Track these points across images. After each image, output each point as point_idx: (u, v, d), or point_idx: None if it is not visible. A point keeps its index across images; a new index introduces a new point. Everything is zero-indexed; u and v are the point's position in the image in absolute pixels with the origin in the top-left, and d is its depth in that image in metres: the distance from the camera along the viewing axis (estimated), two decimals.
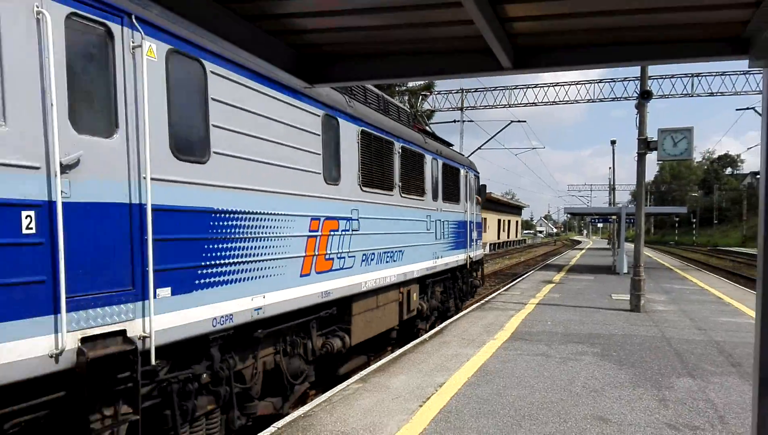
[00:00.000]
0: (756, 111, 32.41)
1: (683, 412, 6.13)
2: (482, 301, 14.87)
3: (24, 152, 3.55)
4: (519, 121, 31.98)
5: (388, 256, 9.33)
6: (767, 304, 2.37)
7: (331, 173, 7.45)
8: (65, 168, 3.79)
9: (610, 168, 42.30)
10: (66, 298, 3.72)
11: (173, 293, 4.70)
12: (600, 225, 58.23)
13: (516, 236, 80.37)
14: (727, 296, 16.33)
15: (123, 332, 4.19)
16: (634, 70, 38.71)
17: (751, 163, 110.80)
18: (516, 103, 34.61)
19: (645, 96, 13.92)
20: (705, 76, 31.69)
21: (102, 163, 4.07)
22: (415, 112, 34.11)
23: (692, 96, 32.00)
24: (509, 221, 73.12)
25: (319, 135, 7.11)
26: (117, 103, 4.23)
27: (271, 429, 5.59)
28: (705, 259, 44.31)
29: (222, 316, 5.26)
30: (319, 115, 7.12)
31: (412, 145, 10.67)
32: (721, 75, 31.47)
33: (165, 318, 4.57)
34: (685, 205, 72.81)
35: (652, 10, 2.26)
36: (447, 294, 13.68)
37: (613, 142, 36.07)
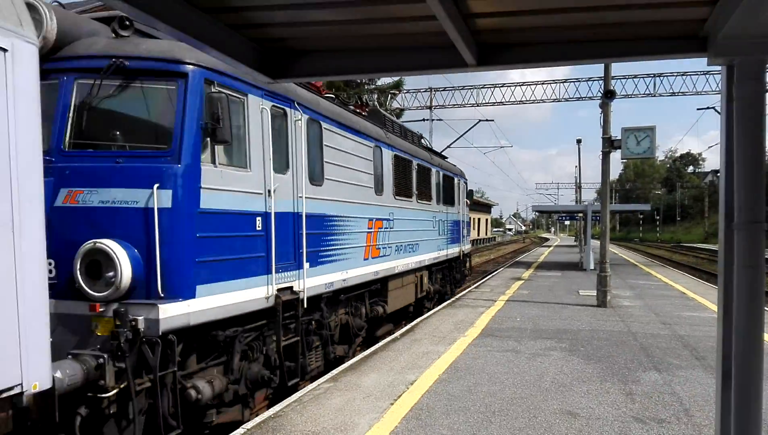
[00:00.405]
0: (716, 110, 33.30)
1: (650, 405, 6.25)
2: (453, 299, 14.95)
3: (257, 185, 6.29)
4: (487, 120, 32.28)
5: (409, 248, 12.20)
6: (729, 299, 2.42)
7: (378, 187, 10.25)
8: (271, 193, 6.50)
9: (576, 166, 43.05)
10: (275, 265, 6.49)
11: (310, 266, 7.42)
12: (567, 222, 59.19)
13: (486, 234, 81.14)
14: (690, 291, 16.75)
15: (291, 287, 6.98)
16: (598, 71, 39.45)
17: (712, 161, 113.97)
18: (484, 102, 34.90)
19: (608, 95, 14.19)
20: (667, 76, 32.44)
21: (283, 190, 6.82)
22: (386, 109, 34.20)
23: (654, 96, 32.72)
24: (479, 219, 73.80)
25: (371, 160, 9.92)
26: (288, 153, 7.03)
27: (241, 430, 5.51)
28: (668, 256, 45.40)
29: (328, 283, 8.05)
30: (371, 147, 9.97)
31: (423, 161, 13.69)
32: (683, 75, 32.24)
33: (307, 281, 7.32)
34: (648, 203, 74.50)
35: (613, 7, 2.28)
36: (445, 280, 16.69)
37: (578, 141, 36.73)
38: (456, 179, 17.55)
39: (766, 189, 2.39)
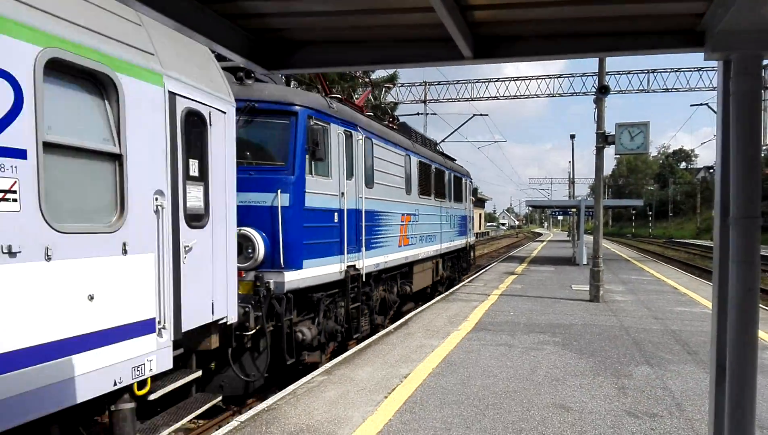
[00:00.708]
0: (709, 107, 33.45)
1: (642, 399, 6.29)
2: (447, 293, 14.98)
3: (335, 189, 8.60)
4: (481, 115, 32.27)
5: (429, 239, 14.70)
6: (724, 293, 2.42)
7: (407, 188, 12.75)
8: (343, 194, 8.84)
9: (569, 162, 43.20)
10: (346, 248, 8.88)
11: (366, 250, 9.78)
12: (560, 217, 59.40)
13: (479, 229, 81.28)
14: (682, 287, 16.84)
15: (354, 265, 9.37)
16: (593, 66, 39.50)
17: (704, 157, 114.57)
18: (478, 96, 34.91)
19: (603, 91, 14.20)
20: (660, 72, 32.54)
21: (350, 192, 9.11)
22: (380, 102, 34.12)
23: (648, 92, 32.82)
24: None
25: (403, 166, 12.45)
26: (353, 164, 9.32)
27: (234, 423, 5.51)
28: (661, 251, 45.65)
29: (376, 264, 10.44)
30: (402, 155, 12.49)
31: (439, 165, 16.16)
32: (676, 71, 32.34)
33: (365, 262, 9.77)
34: (641, 198, 74.80)
35: (610, 1, 2.28)
36: (454, 267, 19.19)
37: (572, 137, 36.78)
38: (464, 179, 20.19)
39: (762, 184, 2.40)
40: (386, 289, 11.67)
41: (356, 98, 33.64)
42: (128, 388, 4.79)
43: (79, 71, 4.30)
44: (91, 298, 4.27)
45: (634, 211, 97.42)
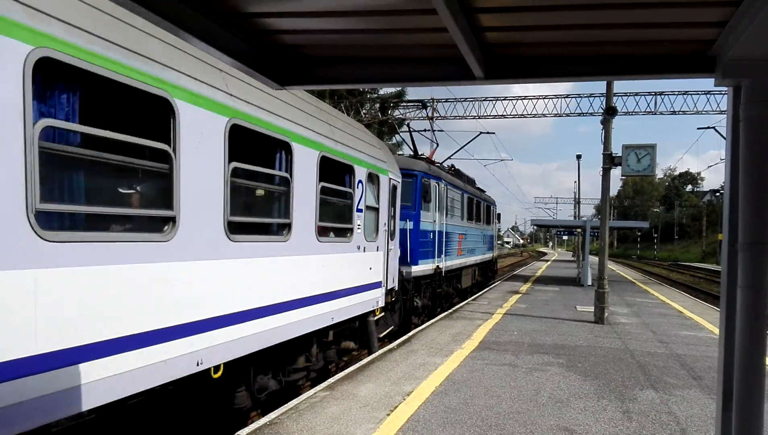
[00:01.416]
0: (716, 130, 33.47)
1: (646, 424, 6.23)
2: (450, 311, 14.93)
3: (433, 218, 14.97)
4: (488, 133, 32.29)
5: (471, 251, 20.90)
6: (731, 319, 2.42)
7: (461, 216, 18.86)
8: (435, 221, 15.17)
9: (575, 182, 43.19)
10: (435, 254, 15.17)
11: (444, 257, 16.07)
12: (565, 237, 59.24)
13: None
14: (687, 310, 16.73)
15: (438, 266, 15.40)
16: (600, 87, 39.65)
17: (710, 180, 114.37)
18: (485, 114, 35.00)
19: (610, 112, 14.25)
20: (668, 94, 32.58)
21: (438, 220, 15.43)
22: (387, 118, 34.23)
23: (655, 114, 32.83)
24: None
25: (459, 200, 18.34)
26: (438, 202, 15.39)
27: None
28: (666, 274, 45.39)
29: (447, 266, 16.48)
30: (459, 193, 18.38)
31: (478, 197, 22.46)
32: (684, 94, 32.39)
33: (444, 264, 16.10)
34: (647, 220, 74.53)
35: (623, 25, 2.30)
36: (484, 274, 25.44)
37: (578, 157, 36.84)
38: (492, 207, 26.70)
39: None
40: (448, 284, 17.58)
41: (364, 114, 33.85)
42: (373, 311, 10.18)
43: (370, 176, 9.68)
44: (370, 268, 9.69)
45: (639, 233, 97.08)
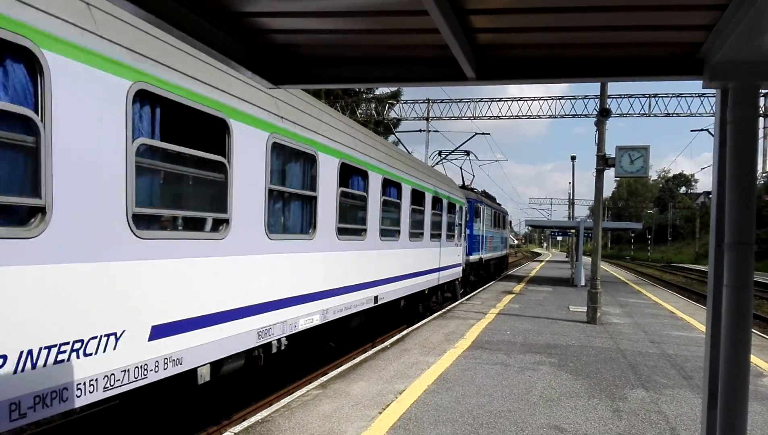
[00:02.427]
0: (710, 132, 33.60)
1: (636, 423, 6.28)
2: (444, 310, 14.97)
3: (479, 227, 24.08)
4: (483, 134, 32.37)
5: (495, 248, 29.47)
6: (717, 318, 2.45)
7: (488, 224, 26.35)
8: (481, 228, 24.42)
9: (570, 183, 43.43)
10: (480, 250, 24.07)
11: (483, 252, 25.10)
12: (559, 238, 59.40)
13: None
14: (679, 311, 16.83)
15: (481, 257, 24.42)
16: (595, 89, 39.79)
17: (704, 182, 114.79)
18: (480, 115, 35.08)
19: (604, 114, 14.31)
20: (662, 96, 32.73)
21: (481, 227, 24.34)
22: (383, 118, 34.26)
23: (649, 116, 32.99)
24: None
25: (490, 214, 27.10)
26: (482, 217, 24.57)
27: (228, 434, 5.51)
28: (659, 275, 45.59)
29: (484, 258, 25.26)
30: (490, 208, 27.38)
31: (497, 210, 30.55)
32: (677, 96, 32.54)
33: (484, 256, 25.34)
34: (641, 222, 74.75)
35: (613, 27, 2.33)
36: (502, 264, 33.91)
37: (573, 158, 36.91)
38: (506, 216, 36.10)
39: (757, 211, 2.44)
40: (485, 268, 26.61)
41: (359, 113, 33.81)
42: (457, 279, 18.76)
43: (452, 205, 17.67)
44: (458, 256, 18.54)
45: (633, 234, 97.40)
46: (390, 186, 10.74)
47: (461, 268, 19.11)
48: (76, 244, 3.96)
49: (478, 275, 24.48)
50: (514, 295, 19.55)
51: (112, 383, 4.31)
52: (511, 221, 39.91)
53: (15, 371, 3.58)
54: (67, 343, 3.92)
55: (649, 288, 26.24)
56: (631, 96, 32.94)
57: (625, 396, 7.28)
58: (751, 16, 1.89)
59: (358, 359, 8.83)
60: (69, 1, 3.96)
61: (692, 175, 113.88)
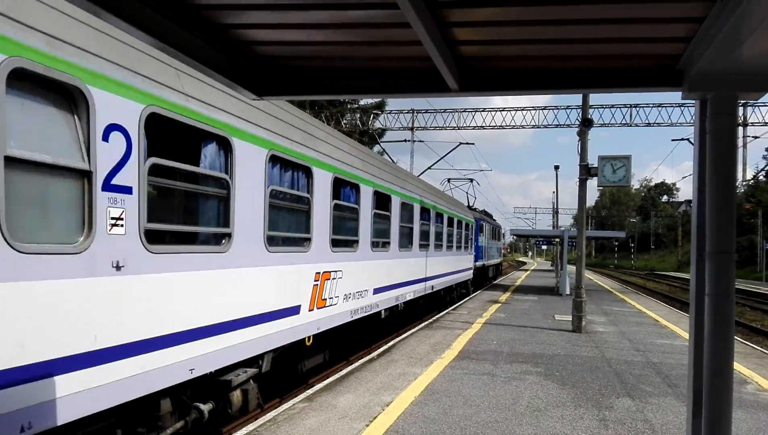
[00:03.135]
0: (690, 142, 34.06)
1: (622, 431, 6.29)
2: (430, 320, 14.95)
3: (484, 240, 31.71)
4: (467, 144, 32.62)
5: (492, 257, 36.21)
6: (700, 327, 2.47)
7: (489, 236, 34.34)
8: (483, 240, 31.94)
9: (553, 192, 44.07)
10: (482, 258, 31.08)
11: (485, 259, 32.42)
12: (544, 247, 59.80)
13: None
14: (663, 319, 16.96)
15: (484, 263, 31.70)
16: (577, 99, 40.27)
17: (686, 191, 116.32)
18: (465, 125, 35.32)
19: (586, 124, 14.46)
20: (643, 107, 33.22)
21: (485, 240, 32.05)
22: (368, 129, 34.35)
23: (631, 126, 33.45)
24: None
25: (488, 229, 33.97)
26: (484, 232, 32.17)
27: None
28: (642, 283, 45.96)
29: (482, 264, 30.97)
30: (489, 224, 34.29)
31: (494, 225, 38.16)
32: (658, 106, 33.03)
33: (484, 262, 32.18)
34: (624, 230, 75.41)
35: (594, 40, 2.36)
36: (497, 270, 41.26)
37: (556, 168, 37.32)
38: (500, 229, 42.67)
39: (738, 219, 2.47)
40: (485, 273, 32.08)
41: (344, 124, 33.81)
42: (469, 279, 25.09)
43: (468, 224, 25.32)
44: (470, 262, 25.11)
45: (616, 243, 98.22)
46: (425, 212, 15.19)
47: (472, 271, 25.78)
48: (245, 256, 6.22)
49: (481, 277, 31.62)
50: (500, 304, 19.59)
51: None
52: (504, 233, 47.17)
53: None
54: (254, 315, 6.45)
55: (633, 296, 26.44)
56: (612, 106, 33.39)
57: (611, 405, 7.30)
58: (728, 28, 1.92)
59: (344, 371, 8.77)
60: (246, 106, 6.25)
61: (674, 184, 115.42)
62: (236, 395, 6.23)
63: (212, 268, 5.64)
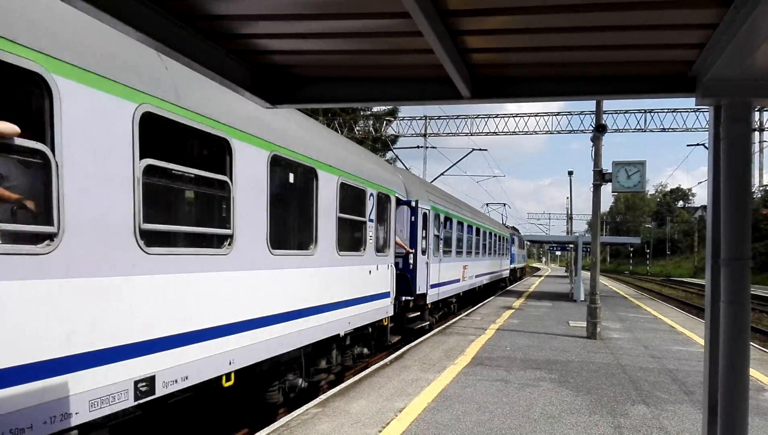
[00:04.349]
0: (705, 147, 33.74)
1: None
2: (443, 326, 14.91)
3: (514, 249, 42.71)
4: (480, 150, 32.57)
5: (519, 261, 47.32)
6: (715, 334, 2.45)
7: (518, 247, 44.75)
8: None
9: (567, 198, 44.05)
10: (515, 262, 43.18)
11: (515, 263, 43.52)
12: (558, 253, 59.66)
13: None
14: (679, 325, 16.78)
15: (515, 266, 41.97)
16: (591, 105, 40.06)
17: (701, 196, 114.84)
18: (478, 131, 35.27)
19: (600, 129, 14.39)
20: (657, 112, 32.96)
21: (513, 249, 41.52)
22: (381, 135, 34.46)
23: (645, 131, 33.19)
24: None
25: (518, 242, 45.07)
26: (513, 244, 42.33)
27: None
28: (658, 289, 45.52)
29: (513, 267, 41.10)
30: (517, 238, 44.59)
31: (519, 238, 47.74)
32: (673, 111, 32.76)
33: (515, 265, 43.52)
34: (639, 236, 74.80)
35: (606, 47, 2.36)
36: (521, 272, 50.85)
37: (570, 173, 37.02)
38: (524, 240, 49.24)
39: (752, 227, 2.46)
40: (516, 273, 43.81)
41: (357, 130, 33.91)
42: (507, 277, 36.49)
43: (502, 237, 34.26)
44: (504, 263, 34.47)
45: (632, 249, 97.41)
46: (488, 234, 25.54)
47: (509, 270, 36.02)
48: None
49: (513, 275, 40.24)
50: (513, 310, 19.49)
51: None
52: (526, 243, 53.06)
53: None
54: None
55: (649, 302, 26.18)
56: (626, 111, 33.18)
57: (627, 412, 7.24)
58: (741, 34, 1.91)
59: (357, 377, 8.78)
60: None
61: (689, 189, 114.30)
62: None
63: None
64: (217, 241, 5.66)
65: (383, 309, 10.72)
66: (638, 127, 32.97)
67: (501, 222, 43.35)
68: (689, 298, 36.11)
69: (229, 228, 5.69)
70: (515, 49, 2.41)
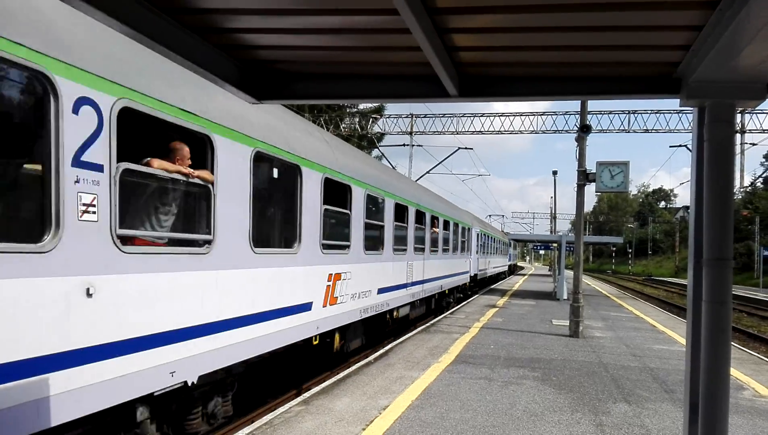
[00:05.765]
0: (688, 148, 34.15)
1: None
2: (427, 324, 14.95)
3: (510, 250, 55.71)
4: (466, 148, 32.63)
5: (511, 259, 58.82)
6: (697, 333, 2.48)
7: (512, 248, 57.70)
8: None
9: (552, 197, 44.41)
10: (509, 260, 56.33)
11: (510, 261, 56.81)
12: (542, 252, 60.20)
13: None
14: (660, 324, 16.98)
15: (510, 264, 57.59)
16: (576, 105, 40.38)
17: (683, 197, 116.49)
18: (464, 130, 35.37)
19: (584, 130, 14.50)
20: (641, 113, 33.28)
21: (509, 250, 53.24)
22: (366, 133, 34.40)
23: (628, 132, 33.49)
24: None
25: (513, 244, 57.18)
26: (509, 245, 54.89)
27: None
28: (640, 288, 46.04)
29: (511, 263, 59.46)
30: (512, 241, 52.93)
31: (512, 240, 51.77)
32: (656, 113, 33.10)
33: (510, 263, 57.63)
34: (621, 236, 75.59)
35: (592, 47, 2.38)
36: (514, 267, 65.49)
37: (554, 173, 37.30)
38: (508, 240, 48.26)
39: (735, 226, 2.49)
40: (512, 268, 59.47)
41: (343, 127, 33.81)
42: (506, 271, 49.97)
43: (502, 242, 44.70)
44: (504, 260, 47.34)
45: (614, 248, 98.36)
46: (488, 238, 31.59)
47: (507, 266, 45.89)
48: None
49: (510, 269, 48.93)
50: (497, 308, 19.59)
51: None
52: (514, 244, 59.56)
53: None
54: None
55: (631, 301, 26.46)
56: (611, 112, 33.47)
57: (608, 410, 7.31)
58: (726, 37, 1.93)
59: (341, 375, 8.76)
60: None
61: (671, 190, 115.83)
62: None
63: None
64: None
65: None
66: (622, 127, 33.28)
67: (501, 229, 54.53)
68: (670, 297, 36.57)
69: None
70: (502, 47, 2.41)
